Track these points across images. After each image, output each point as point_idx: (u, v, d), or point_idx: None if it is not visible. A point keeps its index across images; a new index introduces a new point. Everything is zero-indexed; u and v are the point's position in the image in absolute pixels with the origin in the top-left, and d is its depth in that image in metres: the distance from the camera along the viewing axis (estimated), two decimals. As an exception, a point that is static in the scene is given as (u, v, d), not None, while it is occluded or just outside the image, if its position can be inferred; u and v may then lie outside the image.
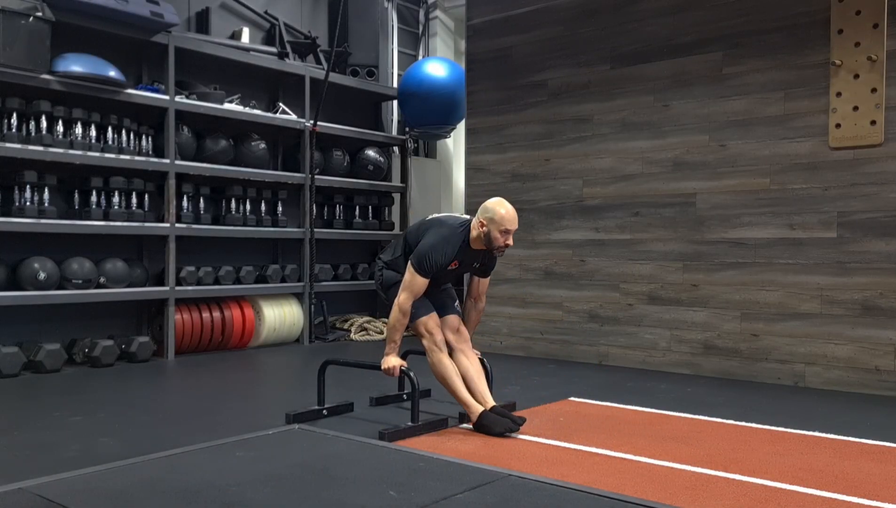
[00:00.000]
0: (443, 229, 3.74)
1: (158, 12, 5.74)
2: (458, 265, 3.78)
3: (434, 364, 3.75)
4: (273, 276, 6.81)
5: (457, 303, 4.00)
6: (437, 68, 7.79)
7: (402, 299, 3.69)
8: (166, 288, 6.01)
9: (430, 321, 3.77)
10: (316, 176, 7.12)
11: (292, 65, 7.17)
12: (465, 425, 3.83)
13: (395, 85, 8.25)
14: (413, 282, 3.68)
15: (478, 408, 3.64)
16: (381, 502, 2.54)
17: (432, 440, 3.52)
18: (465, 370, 3.77)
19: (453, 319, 3.90)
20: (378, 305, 7.92)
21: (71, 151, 5.43)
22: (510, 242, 3.70)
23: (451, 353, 3.82)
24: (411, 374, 3.66)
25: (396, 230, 8.13)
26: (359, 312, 7.89)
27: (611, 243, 5.89)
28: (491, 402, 3.70)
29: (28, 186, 5.31)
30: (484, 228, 3.65)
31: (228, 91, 6.76)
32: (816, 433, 3.69)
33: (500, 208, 3.67)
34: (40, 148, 5.29)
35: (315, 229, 7.11)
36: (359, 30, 7.88)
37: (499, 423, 3.57)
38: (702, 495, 2.75)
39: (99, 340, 5.58)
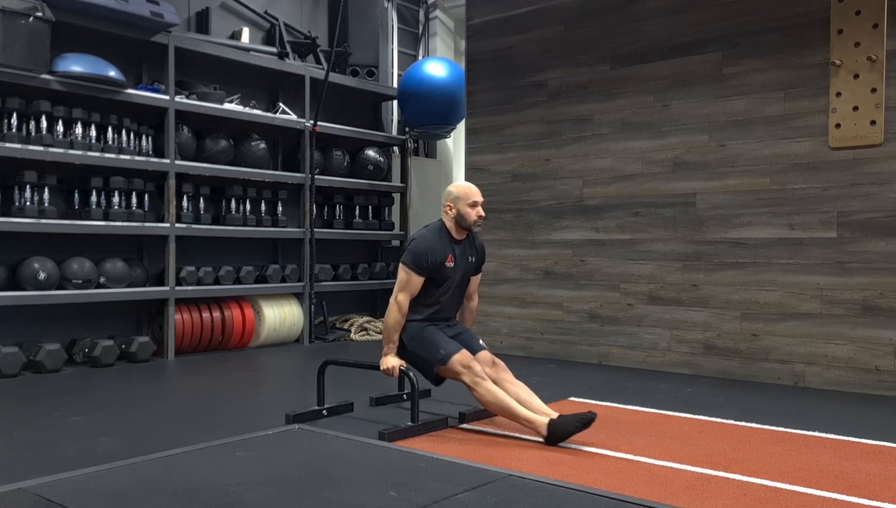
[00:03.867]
0: (422, 231, 3.86)
1: (158, 12, 5.74)
2: (454, 261, 3.78)
3: (483, 395, 3.55)
4: (273, 276, 6.81)
5: (481, 340, 3.89)
6: (437, 68, 7.78)
7: (400, 298, 3.71)
8: (166, 288, 6.01)
9: (463, 356, 3.61)
10: (316, 176, 7.12)
11: (292, 65, 7.17)
12: (465, 425, 3.83)
13: (395, 85, 8.25)
14: (409, 281, 3.71)
15: (542, 420, 3.43)
16: (381, 502, 2.54)
17: (432, 441, 3.52)
18: (515, 394, 3.61)
19: (485, 354, 3.75)
20: (378, 305, 7.93)
21: (71, 151, 5.43)
22: (482, 213, 3.80)
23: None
24: (411, 374, 3.66)
25: (396, 230, 8.14)
26: (359, 312, 7.89)
27: (611, 243, 5.89)
28: (553, 413, 3.49)
29: (28, 187, 5.31)
30: (452, 210, 3.79)
31: (228, 91, 6.76)
32: (816, 433, 3.69)
33: (460, 186, 3.85)
34: (40, 148, 5.29)
35: (315, 229, 7.11)
36: (359, 30, 7.88)
37: (570, 422, 3.37)
38: (702, 495, 2.75)
39: (99, 340, 5.58)
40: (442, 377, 3.74)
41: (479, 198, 3.78)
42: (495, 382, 3.63)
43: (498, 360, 3.77)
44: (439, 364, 3.65)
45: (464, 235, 3.83)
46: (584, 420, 3.35)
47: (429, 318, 3.80)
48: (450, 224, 3.80)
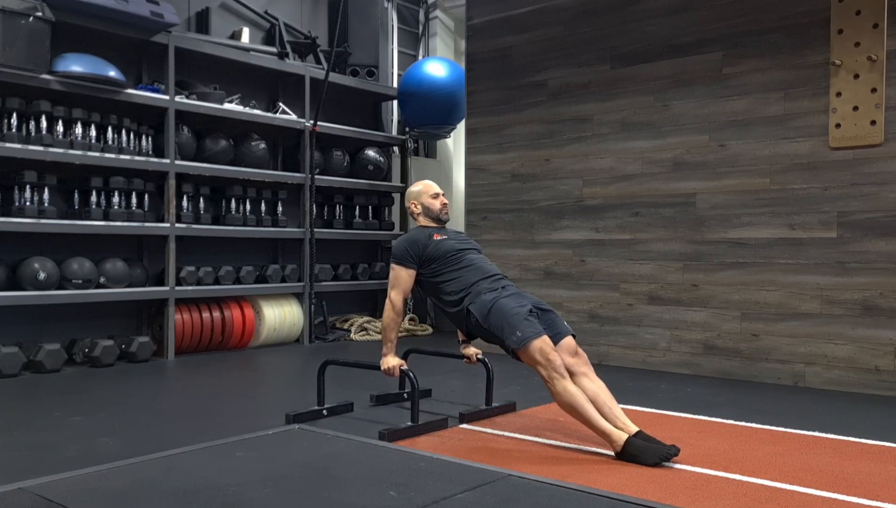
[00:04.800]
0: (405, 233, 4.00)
1: (158, 12, 5.74)
2: (444, 236, 3.79)
3: (559, 394, 3.25)
4: (273, 276, 6.81)
5: (566, 322, 3.61)
6: (437, 68, 7.78)
7: (393, 296, 3.73)
8: (166, 288, 6.01)
9: (544, 344, 3.30)
10: (316, 176, 7.12)
11: (292, 65, 7.17)
12: (465, 425, 3.83)
13: (395, 85, 8.25)
14: (398, 276, 3.74)
15: (621, 435, 3.15)
16: (381, 502, 2.54)
17: (432, 441, 3.52)
18: (593, 395, 3.30)
19: (570, 341, 3.47)
20: (378, 305, 7.92)
21: (71, 151, 5.43)
22: (445, 200, 3.95)
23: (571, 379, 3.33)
24: (411, 374, 3.66)
25: (397, 230, 8.13)
26: (359, 312, 7.90)
27: (611, 243, 5.89)
28: (632, 427, 3.24)
29: (28, 187, 5.31)
30: (418, 206, 3.92)
31: (228, 91, 6.76)
32: (816, 434, 3.69)
33: (416, 184, 4.03)
34: (40, 148, 5.29)
35: (315, 229, 7.11)
36: (359, 30, 7.88)
37: (650, 452, 3.09)
38: (702, 495, 2.75)
39: (99, 340, 5.58)
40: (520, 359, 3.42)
41: (438, 190, 3.97)
42: (572, 374, 3.33)
43: (581, 351, 3.48)
44: (514, 348, 3.35)
45: (442, 226, 3.91)
46: (666, 457, 3.09)
47: (483, 276, 3.62)
48: (422, 221, 3.91)
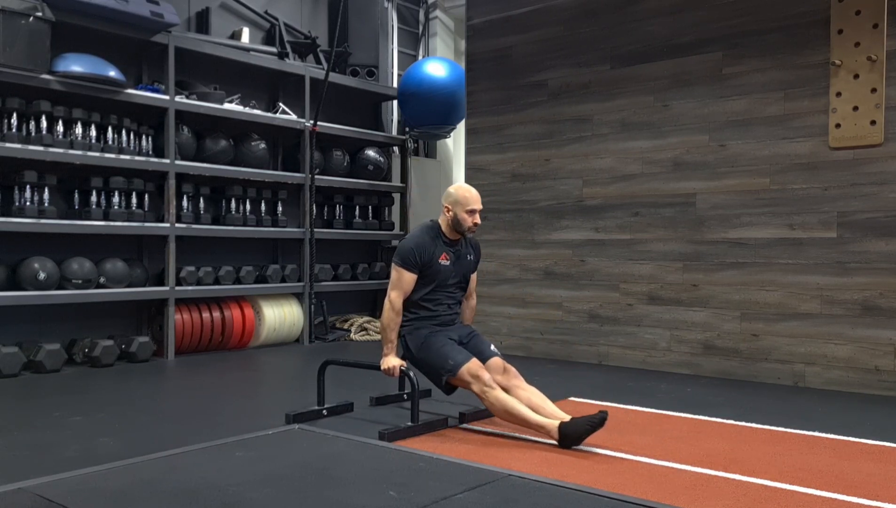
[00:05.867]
0: (413, 230, 3.93)
1: (158, 12, 5.74)
2: (449, 260, 3.79)
3: (493, 404, 3.52)
4: (273, 276, 6.81)
5: (493, 346, 3.86)
6: (437, 68, 7.78)
7: (393, 297, 3.76)
8: (166, 288, 6.01)
9: (472, 365, 3.58)
10: (316, 176, 7.12)
11: (292, 65, 7.17)
12: (465, 425, 3.83)
13: (395, 85, 8.25)
14: (400, 278, 3.75)
15: (553, 423, 3.39)
16: (381, 502, 2.54)
17: (432, 441, 3.52)
18: (527, 400, 3.57)
19: (496, 361, 3.71)
20: (378, 305, 7.92)
21: (71, 151, 5.43)
22: (478, 220, 3.81)
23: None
24: (411, 374, 3.66)
25: (396, 230, 8.14)
26: (359, 312, 7.90)
27: (611, 243, 5.89)
28: (566, 416, 3.44)
29: (28, 187, 5.31)
30: (450, 212, 3.80)
31: (228, 91, 6.76)
32: (816, 434, 3.69)
33: (461, 190, 3.82)
34: (40, 148, 5.29)
35: (315, 229, 7.11)
36: (359, 30, 7.88)
37: (581, 423, 3.32)
38: (702, 495, 2.75)
39: (99, 340, 5.58)
40: (453, 386, 3.72)
41: (477, 205, 3.77)
42: (506, 389, 3.59)
43: (509, 366, 3.73)
44: (448, 375, 3.63)
45: (457, 236, 3.85)
46: (595, 421, 3.31)
47: (432, 319, 3.80)
48: (445, 225, 3.83)
